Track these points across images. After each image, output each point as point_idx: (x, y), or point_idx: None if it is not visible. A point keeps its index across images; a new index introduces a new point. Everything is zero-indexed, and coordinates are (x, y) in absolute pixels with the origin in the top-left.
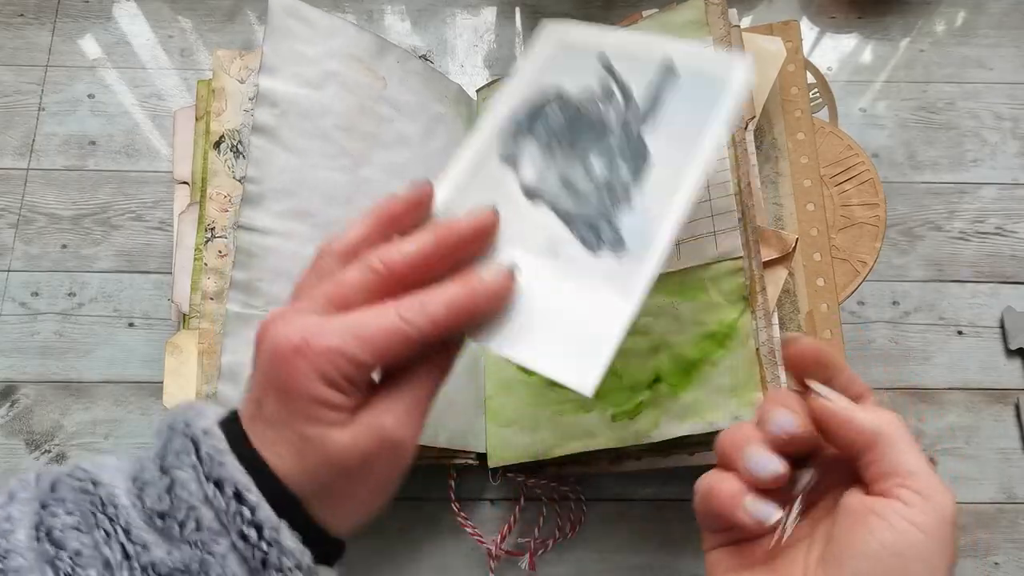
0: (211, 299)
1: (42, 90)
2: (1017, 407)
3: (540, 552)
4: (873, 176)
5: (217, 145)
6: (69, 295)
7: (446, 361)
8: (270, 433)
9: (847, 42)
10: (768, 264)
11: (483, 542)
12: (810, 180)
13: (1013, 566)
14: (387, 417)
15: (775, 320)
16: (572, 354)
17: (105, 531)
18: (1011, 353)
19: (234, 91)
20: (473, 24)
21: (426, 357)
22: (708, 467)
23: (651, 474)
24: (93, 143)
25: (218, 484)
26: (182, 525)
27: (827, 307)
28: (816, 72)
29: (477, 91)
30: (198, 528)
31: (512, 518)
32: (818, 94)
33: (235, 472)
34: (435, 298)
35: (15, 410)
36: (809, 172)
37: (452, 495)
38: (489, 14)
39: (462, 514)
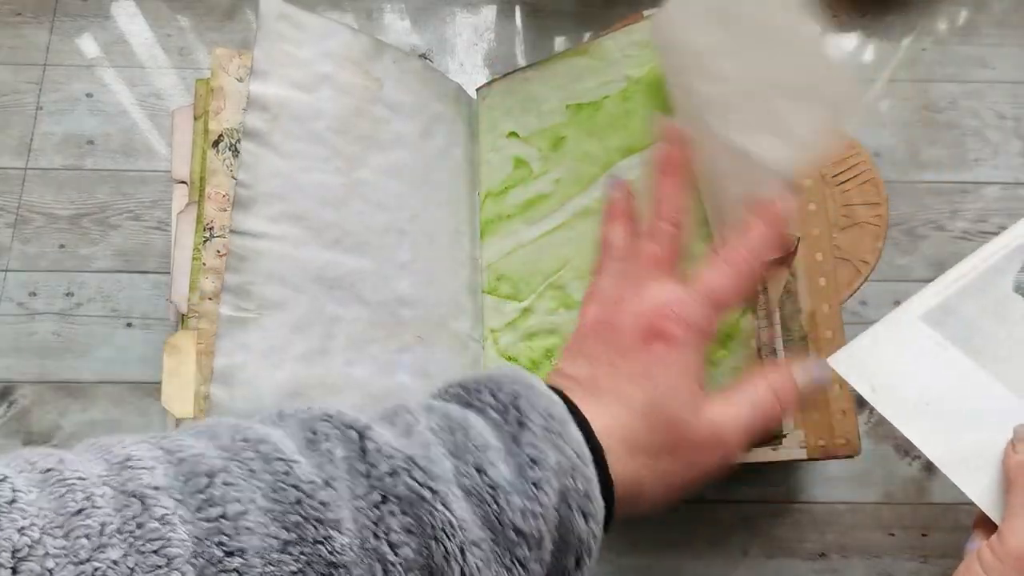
0: (210, 299)
1: (40, 89)
2: None
3: None
4: (875, 175)
5: (216, 144)
6: (67, 295)
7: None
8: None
9: (849, 41)
10: (769, 264)
11: None
12: (811, 180)
13: None
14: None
15: (777, 320)
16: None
17: (445, 550)
18: None
19: (233, 90)
20: (473, 23)
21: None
22: None
23: None
24: (91, 142)
25: (585, 517)
26: (528, 550)
27: (829, 307)
28: None
29: (477, 90)
30: (540, 560)
31: None
32: None
33: (599, 508)
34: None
35: (13, 410)
36: (810, 172)
37: None
38: (489, 12)
39: None
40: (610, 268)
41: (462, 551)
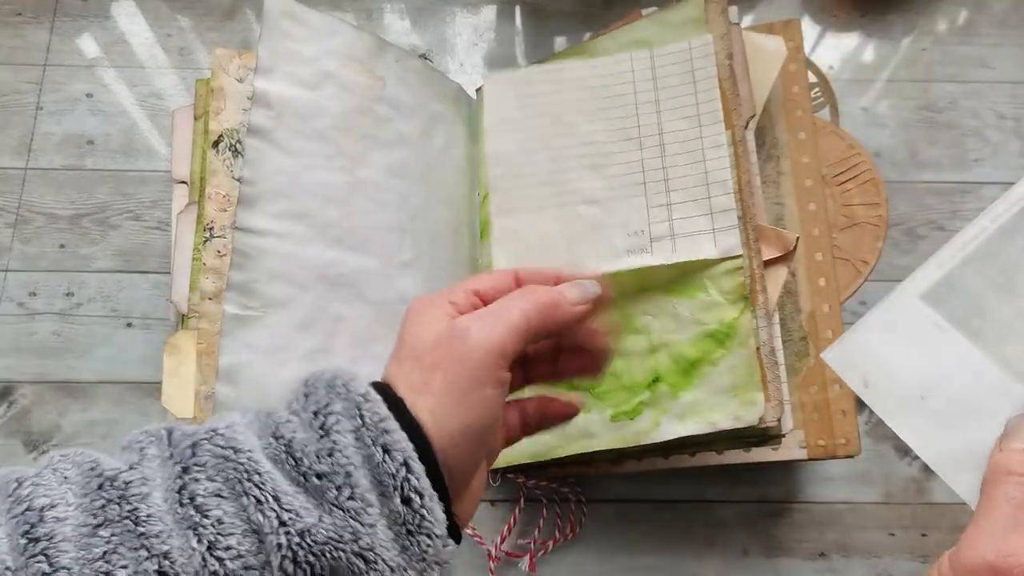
0: (210, 299)
1: (40, 89)
2: None
3: (540, 553)
4: (875, 175)
5: (216, 144)
6: (67, 295)
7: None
8: (431, 401)
9: (849, 41)
10: (769, 263)
11: (483, 543)
12: (811, 180)
13: None
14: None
15: (776, 319)
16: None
17: (255, 498)
18: None
19: (233, 90)
20: (473, 23)
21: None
22: (709, 468)
23: (652, 475)
24: (91, 142)
25: (386, 450)
26: (338, 489)
27: (829, 307)
28: (817, 71)
29: (477, 90)
30: (351, 496)
31: (512, 519)
32: (819, 93)
33: (402, 439)
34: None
35: (13, 410)
36: (810, 171)
37: None
38: (489, 12)
39: None
40: None
41: (276, 499)
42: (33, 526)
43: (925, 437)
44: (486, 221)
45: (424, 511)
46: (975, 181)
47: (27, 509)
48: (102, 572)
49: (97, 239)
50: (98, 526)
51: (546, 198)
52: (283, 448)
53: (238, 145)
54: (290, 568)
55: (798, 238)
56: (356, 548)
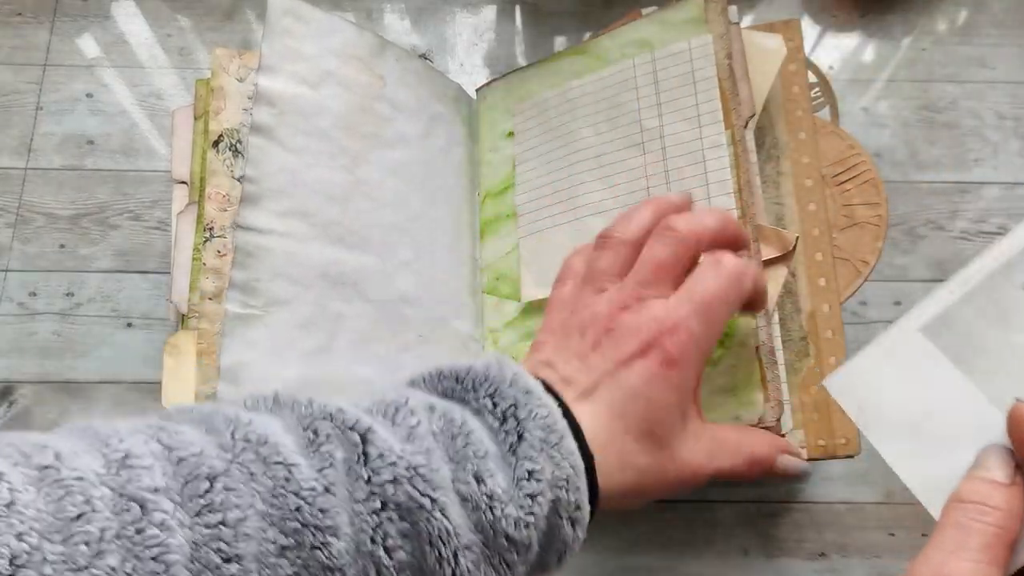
0: (210, 299)
1: (40, 89)
2: None
3: None
4: (875, 176)
5: (216, 144)
6: (67, 295)
7: None
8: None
9: (849, 41)
10: (768, 263)
11: None
12: (811, 180)
13: None
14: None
15: (775, 319)
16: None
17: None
18: None
19: (233, 90)
20: (473, 23)
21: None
22: None
23: None
24: (91, 142)
25: (577, 507)
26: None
27: (829, 307)
28: (817, 71)
29: (477, 90)
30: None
31: None
32: (819, 93)
33: (582, 487)
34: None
35: (13, 411)
36: (810, 171)
37: None
38: (489, 12)
39: None
40: (611, 257)
41: (455, 556)
42: (228, 544)
43: (911, 465)
44: (489, 222)
45: (578, 526)
46: (975, 181)
47: (222, 523)
48: None
49: (97, 239)
50: (286, 548)
51: (562, 215)
52: (484, 498)
53: (238, 145)
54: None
55: (798, 238)
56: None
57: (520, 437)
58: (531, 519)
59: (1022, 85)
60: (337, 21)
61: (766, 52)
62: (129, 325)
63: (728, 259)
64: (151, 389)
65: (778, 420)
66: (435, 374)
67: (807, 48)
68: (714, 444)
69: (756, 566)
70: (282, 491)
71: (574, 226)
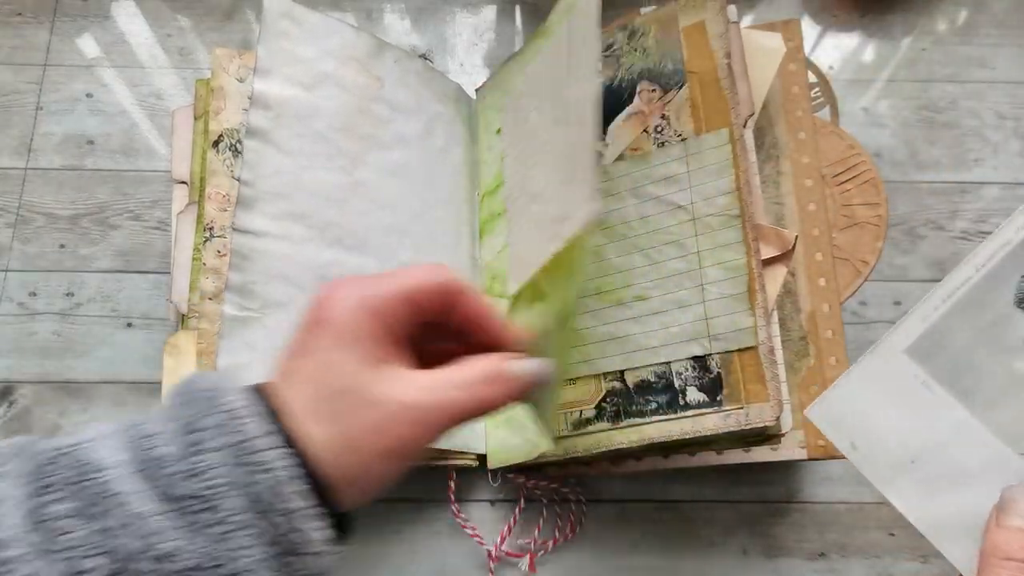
0: (210, 299)
1: (40, 89)
2: None
3: (540, 553)
4: (875, 175)
5: (216, 144)
6: (67, 295)
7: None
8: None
9: (849, 41)
10: (768, 262)
11: (483, 543)
12: (811, 180)
13: None
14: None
15: (775, 319)
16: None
17: (115, 520)
18: None
19: (233, 90)
20: (473, 23)
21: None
22: (708, 468)
23: (651, 475)
24: (91, 142)
25: (262, 469)
26: (209, 511)
27: (829, 307)
28: (817, 71)
29: (476, 90)
30: (222, 519)
31: (512, 519)
32: (819, 93)
33: (277, 457)
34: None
35: (13, 410)
36: (810, 171)
37: (452, 496)
38: (489, 12)
39: (462, 515)
40: None
41: (137, 519)
42: None
43: (916, 503)
44: (485, 221)
45: (303, 530)
46: (975, 181)
47: None
48: None
49: (97, 239)
50: None
51: (524, 206)
52: (150, 464)
53: (238, 145)
54: None
55: (797, 237)
56: (225, 572)
57: (191, 409)
58: (204, 463)
59: (1022, 85)
60: (334, 23)
61: (765, 51)
62: (129, 325)
63: None
64: (151, 389)
65: (778, 419)
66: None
67: (807, 48)
68: (428, 378)
69: (756, 566)
70: None
71: (526, 216)
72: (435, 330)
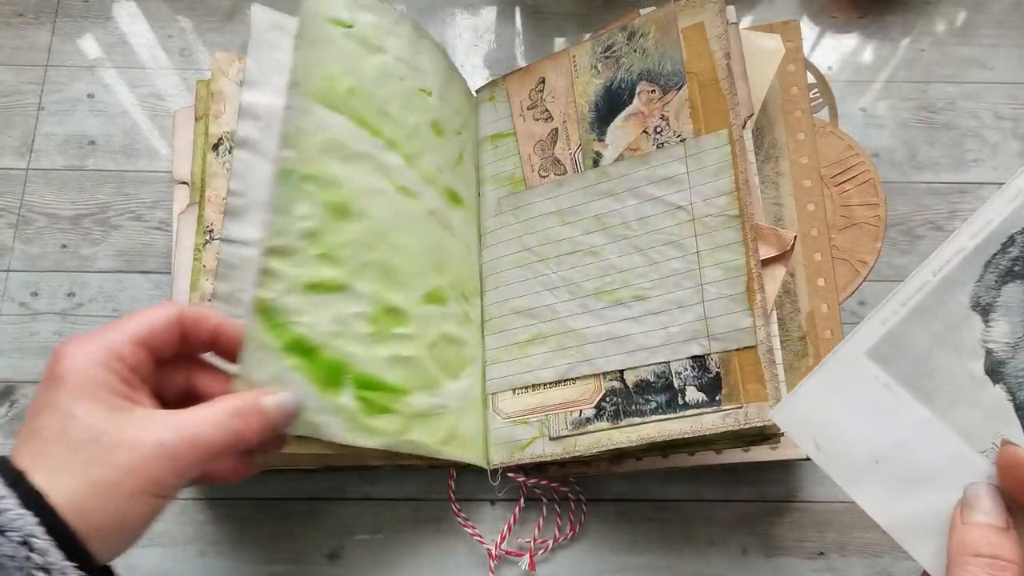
0: (210, 300)
1: (41, 90)
2: None
3: (540, 552)
4: (873, 176)
5: (216, 147)
6: (69, 295)
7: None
8: (51, 451)
9: (847, 42)
10: (766, 262)
11: (483, 542)
12: (810, 180)
13: None
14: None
15: (774, 319)
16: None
17: None
18: None
19: (233, 94)
20: (473, 24)
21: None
22: (707, 467)
23: (651, 475)
24: (92, 143)
25: (2, 531)
26: None
27: (827, 307)
28: (816, 72)
29: (476, 91)
30: None
31: (512, 518)
32: (818, 94)
33: (19, 517)
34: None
35: (14, 410)
36: (809, 172)
37: (452, 495)
38: (489, 14)
39: (462, 514)
40: None
41: None
42: None
43: (881, 503)
44: (485, 227)
45: None
46: (974, 182)
47: None
48: None
49: (99, 239)
50: None
51: None
52: None
53: None
54: None
55: (796, 237)
56: None
57: None
58: None
59: (1020, 86)
60: None
61: (764, 52)
62: None
63: None
64: None
65: None
66: None
67: (806, 49)
68: (177, 417)
69: (755, 565)
70: None
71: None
72: (187, 362)
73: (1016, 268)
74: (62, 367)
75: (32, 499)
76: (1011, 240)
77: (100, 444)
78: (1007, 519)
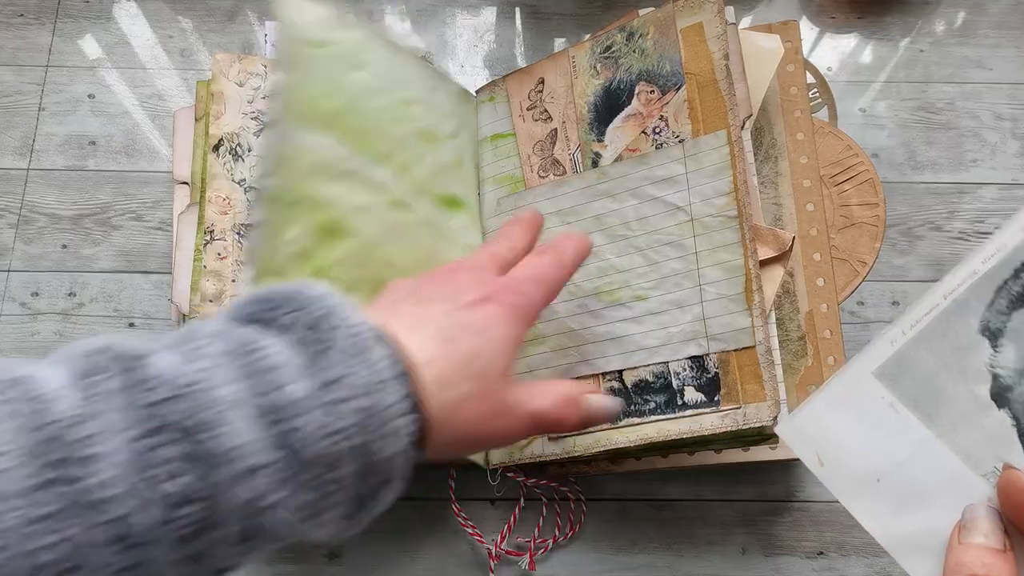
0: (210, 301)
1: (42, 90)
2: None
3: (540, 552)
4: (873, 176)
5: (216, 148)
6: (69, 295)
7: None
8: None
9: (847, 42)
10: (765, 263)
11: (483, 542)
12: (810, 180)
13: None
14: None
15: (773, 319)
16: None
17: (227, 474)
18: None
19: (233, 95)
20: (473, 24)
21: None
22: (707, 467)
23: (651, 474)
24: (93, 143)
25: (387, 435)
26: (329, 469)
27: (827, 307)
28: (816, 72)
29: (476, 91)
30: (336, 478)
31: (512, 518)
32: (818, 94)
33: (404, 425)
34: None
35: None
36: (809, 172)
37: (452, 495)
38: (489, 14)
39: (462, 514)
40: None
41: (251, 473)
42: None
43: (880, 520)
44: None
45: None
46: (973, 182)
47: None
48: (51, 532)
49: (99, 239)
50: (47, 482)
51: None
52: (280, 408)
53: (238, 149)
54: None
55: (794, 237)
56: (314, 521)
57: (326, 347)
58: (341, 425)
59: (1020, 86)
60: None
61: (764, 52)
62: (131, 325)
63: (549, 251)
64: None
65: (775, 418)
66: (242, 301)
67: (805, 49)
68: (532, 387)
69: (755, 564)
70: (36, 424)
71: None
72: None
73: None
74: (500, 308)
75: (421, 424)
76: (1017, 270)
77: (491, 398)
78: (1004, 541)
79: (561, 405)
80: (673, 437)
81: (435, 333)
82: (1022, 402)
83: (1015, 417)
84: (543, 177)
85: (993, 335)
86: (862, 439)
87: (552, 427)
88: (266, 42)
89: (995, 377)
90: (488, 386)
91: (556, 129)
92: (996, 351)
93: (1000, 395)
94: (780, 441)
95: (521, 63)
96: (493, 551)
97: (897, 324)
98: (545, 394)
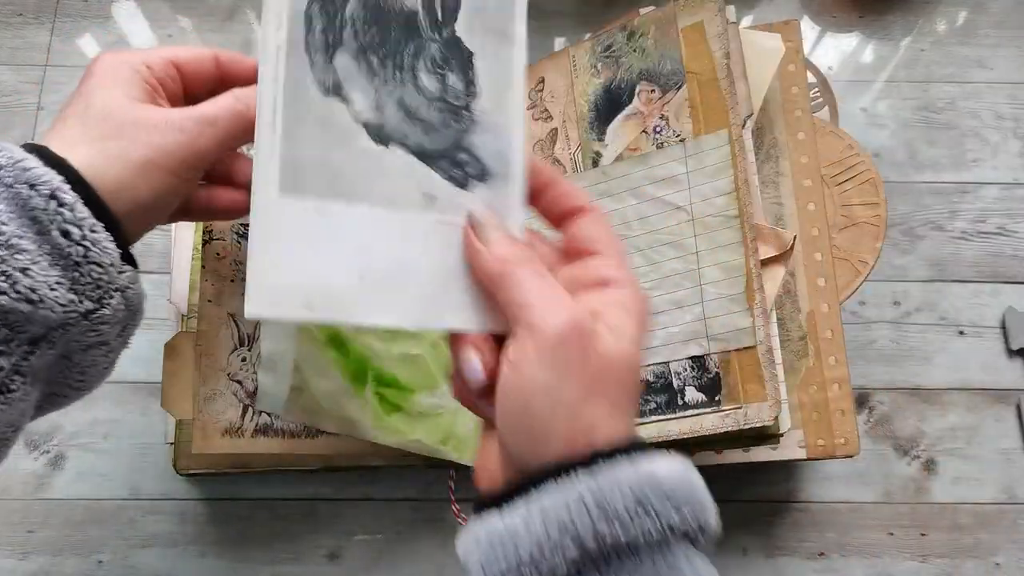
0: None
1: (41, 89)
2: (1019, 407)
3: None
4: (874, 176)
5: None
6: None
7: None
8: (76, 132)
9: (848, 42)
10: (766, 262)
11: None
12: (811, 180)
13: (1015, 567)
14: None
15: (773, 319)
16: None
17: None
18: (1012, 353)
19: None
20: None
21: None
22: (707, 467)
23: None
24: None
25: (31, 186)
26: None
27: (828, 307)
28: (817, 72)
29: None
30: (5, 241)
31: None
32: (819, 94)
33: (46, 173)
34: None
35: None
36: (810, 172)
37: (452, 495)
38: None
39: (462, 515)
40: None
41: None
42: None
43: (390, 307)
44: None
45: (88, 242)
46: (974, 181)
47: None
48: None
49: None
50: None
51: None
52: None
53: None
54: None
55: (795, 237)
56: (14, 294)
57: None
58: None
59: (1020, 86)
60: None
61: (764, 52)
62: None
63: None
64: (151, 389)
65: (776, 419)
66: None
67: (807, 49)
68: (183, 106)
69: (755, 565)
70: None
71: None
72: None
73: (330, 39)
74: (94, 66)
75: (53, 161)
76: (308, 17)
77: (112, 119)
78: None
79: (231, 106)
80: (674, 437)
81: (58, 118)
82: (397, 132)
83: (403, 145)
84: None
85: (336, 90)
86: (320, 259)
87: (232, 126)
88: None
89: (365, 125)
90: (122, 120)
91: (556, 128)
92: (349, 103)
93: (380, 136)
94: (781, 442)
95: None
96: None
97: (259, 139)
98: (207, 104)
